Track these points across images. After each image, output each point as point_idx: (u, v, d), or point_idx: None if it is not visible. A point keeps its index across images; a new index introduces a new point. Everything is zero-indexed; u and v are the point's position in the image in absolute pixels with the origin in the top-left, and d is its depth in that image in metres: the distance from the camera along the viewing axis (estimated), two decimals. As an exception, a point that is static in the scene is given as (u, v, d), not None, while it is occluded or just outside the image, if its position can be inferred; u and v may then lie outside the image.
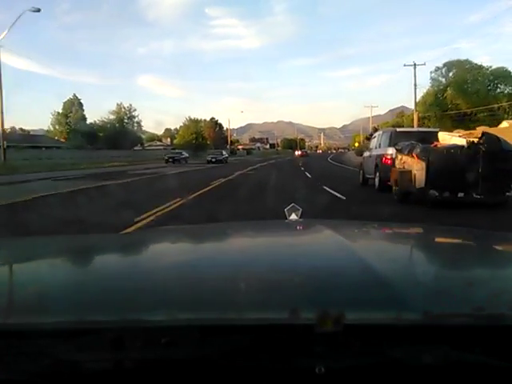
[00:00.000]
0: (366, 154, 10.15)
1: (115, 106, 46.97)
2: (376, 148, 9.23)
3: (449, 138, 6.51)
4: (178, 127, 56.89)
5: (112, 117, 45.55)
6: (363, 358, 0.39)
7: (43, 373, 0.40)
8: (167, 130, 65.05)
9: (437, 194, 5.67)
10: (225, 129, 62.20)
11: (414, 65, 26.13)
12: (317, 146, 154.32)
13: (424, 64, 26.79)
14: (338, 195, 7.60)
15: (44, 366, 0.40)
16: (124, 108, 46.45)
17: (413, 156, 6.27)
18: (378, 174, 8.55)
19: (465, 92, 31.29)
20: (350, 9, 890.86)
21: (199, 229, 1.32)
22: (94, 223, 4.32)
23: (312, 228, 1.11)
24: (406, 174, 6.39)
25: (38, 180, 12.35)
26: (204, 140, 52.94)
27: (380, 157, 8.50)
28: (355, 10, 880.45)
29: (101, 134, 41.49)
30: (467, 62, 33.24)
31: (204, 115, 64.92)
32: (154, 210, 5.52)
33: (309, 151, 79.42)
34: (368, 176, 9.69)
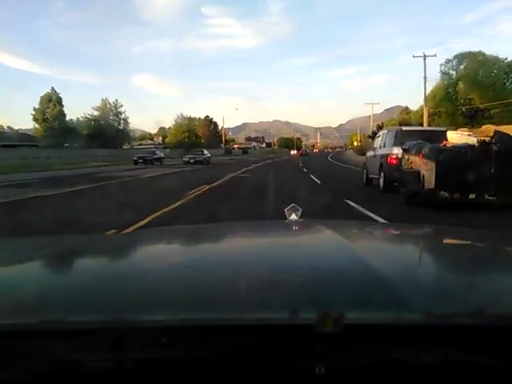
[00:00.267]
0: (370, 153, 10.26)
1: (100, 101, 45.71)
2: (380, 147, 9.34)
3: (458, 137, 6.61)
4: (172, 126, 56.16)
5: (96, 113, 44.14)
6: (363, 359, 0.40)
7: (43, 373, 0.41)
8: (161, 128, 64.66)
9: (447, 195, 5.75)
10: (220, 127, 62.06)
11: (424, 56, 25.22)
12: (313, 145, 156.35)
13: (435, 55, 26.34)
14: (382, 220, 4.74)
15: (44, 365, 0.41)
16: (109, 104, 45.06)
17: (421, 156, 6.36)
18: (382, 174, 8.66)
19: (479, 86, 29.66)
20: (345, 9, 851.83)
21: (199, 229, 1.36)
22: None
23: (312, 228, 1.16)
24: (414, 174, 6.47)
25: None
26: (197, 138, 52.42)
27: (385, 156, 8.60)
28: (351, 10, 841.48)
29: (85, 132, 40.39)
30: (480, 53, 31.42)
31: (200, 114, 65.64)
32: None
33: (300, 151, 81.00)
34: (372, 176, 9.81)
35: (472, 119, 28.73)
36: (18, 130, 51.22)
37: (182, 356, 0.41)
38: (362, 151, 35.99)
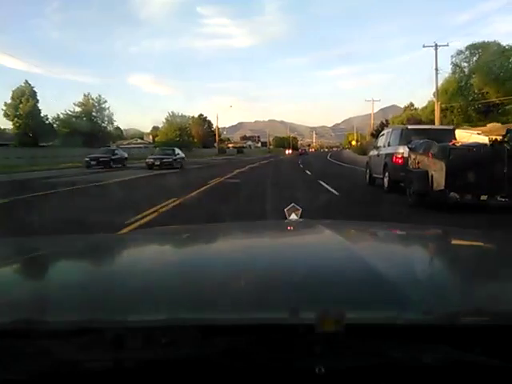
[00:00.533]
0: (373, 152, 10.35)
1: (82, 97, 43.53)
2: (384, 146, 9.44)
3: (468, 136, 6.70)
4: (162, 124, 55.38)
5: (78, 109, 42.33)
6: (363, 358, 0.42)
7: (43, 373, 0.43)
8: (155, 127, 64.05)
9: (457, 196, 5.81)
10: (214, 126, 61.86)
11: (436, 45, 23.96)
12: (309, 145, 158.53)
13: (447, 45, 24.73)
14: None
15: (44, 365, 0.43)
16: (92, 99, 43.16)
17: (430, 155, 6.42)
18: (387, 174, 8.76)
19: (494, 79, 28.26)
20: (341, 8, 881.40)
21: (199, 229, 1.43)
22: None
23: (312, 228, 1.20)
24: (422, 174, 6.52)
25: None
26: (190, 137, 51.74)
27: (389, 156, 8.71)
28: (346, 9, 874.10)
29: (65, 130, 39.00)
30: (495, 44, 30.48)
31: (195, 113, 65.43)
32: None
33: (300, 150, 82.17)
34: (375, 176, 9.92)
35: (486, 115, 28.00)
36: (4, 129, 49.72)
37: (182, 356, 0.43)
38: (362, 151, 35.84)
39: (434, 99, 28.86)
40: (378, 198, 8.07)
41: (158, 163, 19.80)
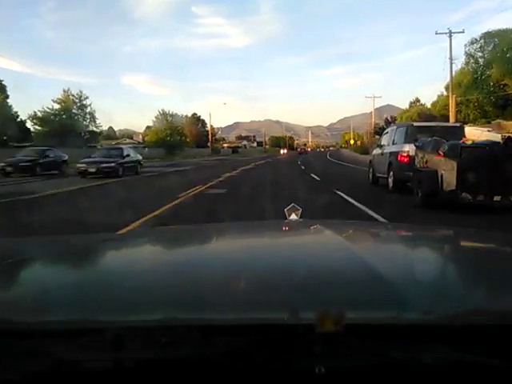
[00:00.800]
0: (377, 151, 10.22)
1: (61, 92, 39.40)
2: (389, 145, 9.30)
3: (479, 134, 6.53)
4: (152, 123, 53.99)
5: (57, 106, 38.47)
6: (363, 358, 0.43)
7: (43, 373, 0.44)
8: (148, 127, 63.27)
9: (470, 197, 5.63)
10: (210, 126, 61.23)
11: (450, 32, 21.64)
12: (305, 144, 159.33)
13: (462, 31, 22.52)
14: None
15: (44, 365, 0.43)
16: (73, 96, 39.42)
17: (439, 154, 6.25)
18: (391, 173, 8.62)
19: None
20: (336, 7, 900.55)
21: (199, 229, 1.45)
22: None
23: (312, 228, 1.21)
24: (431, 174, 6.36)
25: None
26: (182, 137, 50.37)
27: (394, 154, 8.58)
28: (342, 8, 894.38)
29: (42, 129, 36.13)
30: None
31: (190, 113, 64.61)
32: None
33: (299, 149, 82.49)
34: (379, 175, 9.78)
35: (505, 109, 25.79)
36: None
37: (181, 356, 0.44)
38: (364, 150, 34.87)
39: (446, 93, 26.82)
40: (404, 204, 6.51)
41: (94, 170, 14.04)
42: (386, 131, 10.63)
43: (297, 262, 0.76)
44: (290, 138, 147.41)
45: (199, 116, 63.58)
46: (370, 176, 10.55)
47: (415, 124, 9.24)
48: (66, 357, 0.43)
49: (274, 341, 0.43)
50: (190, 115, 60.99)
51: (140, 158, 16.87)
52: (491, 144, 5.87)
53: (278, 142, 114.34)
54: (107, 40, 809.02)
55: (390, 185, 8.62)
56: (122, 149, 16.65)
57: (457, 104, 23.26)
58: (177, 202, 7.09)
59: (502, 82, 26.61)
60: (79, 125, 38.97)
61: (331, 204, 6.52)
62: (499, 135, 6.07)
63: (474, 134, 6.73)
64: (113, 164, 14.47)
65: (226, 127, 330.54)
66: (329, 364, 0.42)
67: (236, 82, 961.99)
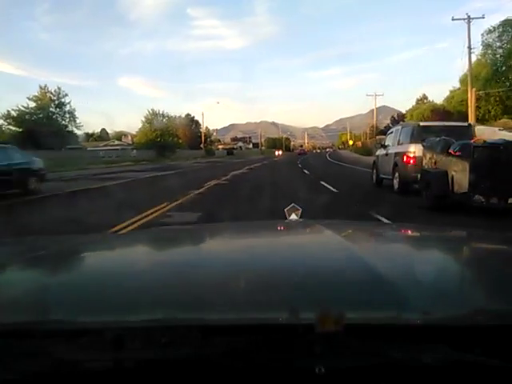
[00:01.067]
0: (381, 151, 10.06)
1: (38, 90, 36.33)
2: (394, 145, 9.15)
3: (491, 133, 6.34)
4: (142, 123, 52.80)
5: (33, 104, 35.35)
6: (363, 358, 0.43)
7: (43, 373, 0.44)
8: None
9: (483, 200, 5.44)
10: (204, 127, 60.36)
11: (468, 18, 19.30)
12: (301, 145, 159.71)
13: (483, 17, 20.13)
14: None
15: (44, 366, 0.44)
16: (51, 93, 36.39)
17: (449, 154, 6.05)
18: (397, 175, 8.47)
19: None
20: (332, 9, 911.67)
21: (199, 229, 1.48)
22: None
23: (312, 228, 1.23)
24: (440, 175, 6.18)
25: None
26: (174, 138, 48.65)
27: (400, 155, 8.45)
28: (337, 10, 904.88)
29: (17, 129, 33.17)
30: None
31: (185, 114, 63.46)
32: None
33: (295, 151, 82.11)
34: (383, 176, 9.63)
35: None
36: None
37: (181, 356, 0.44)
38: (366, 151, 33.42)
39: (460, 88, 24.92)
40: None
41: None
42: (390, 131, 10.49)
43: (297, 262, 0.76)
44: (287, 139, 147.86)
45: (193, 117, 63.02)
46: (374, 177, 10.41)
47: (421, 123, 9.08)
48: (66, 357, 0.43)
49: (274, 341, 0.44)
50: (183, 116, 59.98)
51: (39, 165, 9.89)
52: (505, 143, 5.68)
53: (274, 144, 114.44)
54: (103, 42, 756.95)
55: (395, 186, 8.47)
56: (4, 149, 9.43)
57: (476, 99, 20.40)
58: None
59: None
60: (57, 124, 35.71)
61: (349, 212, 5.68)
62: (512, 134, 5.88)
63: (486, 133, 6.55)
64: None
65: (221, 129, 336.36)
66: (329, 364, 0.42)
67: (232, 84, 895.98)
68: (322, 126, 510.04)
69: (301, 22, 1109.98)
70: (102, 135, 66.82)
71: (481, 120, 21.10)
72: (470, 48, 19.69)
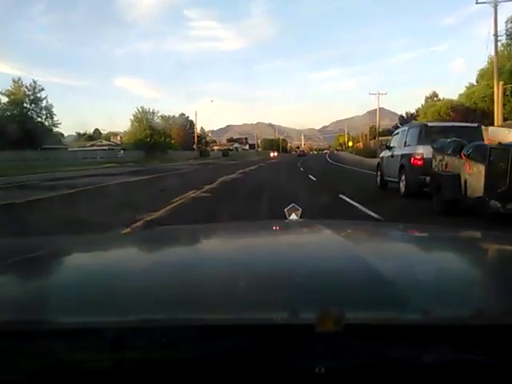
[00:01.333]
0: (386, 153, 9.84)
1: (12, 83, 33.05)
2: (400, 146, 8.94)
3: (506, 134, 6.12)
4: (131, 121, 50.28)
5: (5, 99, 32.51)
6: (363, 358, 0.43)
7: (43, 373, 0.45)
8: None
9: (499, 205, 5.20)
10: (200, 127, 59.29)
11: (496, 1, 16.59)
12: (298, 147, 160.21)
13: None
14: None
15: (44, 366, 0.44)
16: (26, 88, 33.22)
17: (462, 156, 5.84)
18: (403, 177, 8.26)
19: None
20: (328, 11, 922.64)
21: (199, 229, 1.48)
22: None
23: (312, 228, 1.23)
24: (452, 178, 5.96)
25: None
26: (166, 138, 47.15)
27: (406, 157, 8.26)
28: (334, 12, 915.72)
29: None
30: None
31: (177, 113, 62.10)
32: None
33: (292, 152, 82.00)
34: (388, 179, 9.42)
35: None
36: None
37: (182, 356, 0.45)
38: (369, 152, 31.81)
39: (475, 83, 23.20)
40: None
41: None
42: (395, 132, 10.28)
43: (297, 262, 0.77)
44: (283, 140, 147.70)
45: (187, 117, 61.98)
46: (378, 180, 10.17)
47: (429, 124, 8.86)
48: (66, 357, 0.44)
49: (274, 341, 0.44)
50: (177, 115, 58.61)
51: None
52: (523, 145, 5.45)
53: (271, 145, 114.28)
54: (99, 43, 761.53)
55: (402, 189, 8.24)
56: None
57: (503, 93, 17.27)
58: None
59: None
60: (32, 122, 32.33)
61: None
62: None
63: (500, 134, 6.33)
64: None
65: (218, 130, 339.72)
66: (329, 364, 0.42)
67: (229, 85, 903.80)
68: (318, 127, 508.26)
69: (297, 24, 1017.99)
70: (95, 135, 66.08)
71: (508, 118, 18.89)
72: (496, 35, 16.98)
